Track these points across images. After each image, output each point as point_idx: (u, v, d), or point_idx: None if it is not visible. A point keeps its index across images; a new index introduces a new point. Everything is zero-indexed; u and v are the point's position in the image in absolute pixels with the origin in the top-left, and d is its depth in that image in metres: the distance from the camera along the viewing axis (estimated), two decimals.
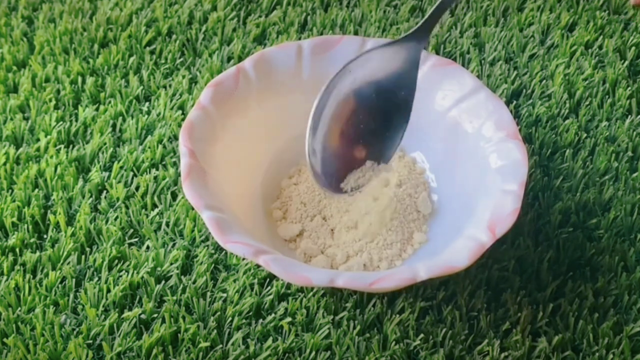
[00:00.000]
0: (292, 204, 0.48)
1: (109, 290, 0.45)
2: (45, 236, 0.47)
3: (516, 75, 0.54)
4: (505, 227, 0.42)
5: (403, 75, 0.47)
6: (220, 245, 0.42)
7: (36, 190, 0.49)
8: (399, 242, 0.47)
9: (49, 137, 0.51)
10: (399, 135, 0.48)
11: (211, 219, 0.42)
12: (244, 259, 0.45)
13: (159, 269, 0.46)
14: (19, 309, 0.44)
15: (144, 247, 0.47)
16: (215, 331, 0.44)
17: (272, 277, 0.45)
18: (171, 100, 0.53)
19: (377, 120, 0.47)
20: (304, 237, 0.47)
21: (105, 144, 0.51)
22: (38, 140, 0.51)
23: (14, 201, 0.48)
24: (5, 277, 0.45)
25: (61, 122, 0.52)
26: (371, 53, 0.46)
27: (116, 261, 0.46)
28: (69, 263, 0.46)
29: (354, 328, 0.44)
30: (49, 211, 0.48)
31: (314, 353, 0.43)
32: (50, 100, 0.53)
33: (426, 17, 0.46)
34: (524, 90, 0.54)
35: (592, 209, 0.48)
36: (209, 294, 0.45)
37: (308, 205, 0.48)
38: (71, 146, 0.51)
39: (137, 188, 0.49)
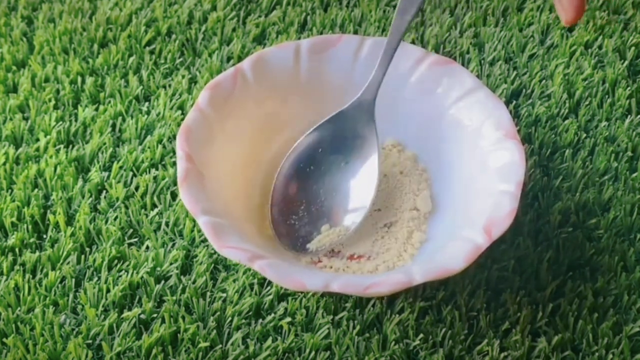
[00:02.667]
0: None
1: (108, 290, 0.45)
2: (44, 236, 0.47)
3: (516, 75, 0.54)
4: (501, 229, 0.42)
5: (361, 136, 0.48)
6: (217, 250, 0.42)
7: (36, 190, 0.49)
8: (398, 242, 0.47)
9: (48, 137, 0.51)
10: (365, 206, 0.47)
11: (207, 223, 0.42)
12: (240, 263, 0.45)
13: (158, 269, 0.46)
14: (19, 308, 0.44)
15: (144, 247, 0.47)
16: (214, 331, 0.44)
17: None
18: (171, 100, 0.53)
19: (339, 190, 0.48)
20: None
21: (104, 144, 0.51)
22: (38, 140, 0.51)
23: (14, 201, 0.48)
24: (4, 277, 0.45)
25: (61, 122, 0.52)
26: (323, 125, 0.47)
27: (116, 261, 0.46)
28: (68, 263, 0.46)
29: (354, 328, 0.44)
30: (48, 211, 0.48)
31: (313, 353, 0.43)
32: (49, 100, 0.53)
33: (371, 77, 0.47)
34: (524, 90, 0.54)
35: (592, 209, 0.48)
36: (208, 294, 0.45)
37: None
38: (71, 146, 0.51)
39: (136, 188, 0.49)
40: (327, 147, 0.48)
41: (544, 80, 0.54)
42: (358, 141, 0.48)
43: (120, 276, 0.45)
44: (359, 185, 0.47)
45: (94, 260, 0.46)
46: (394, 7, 0.58)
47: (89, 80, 0.54)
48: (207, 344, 0.43)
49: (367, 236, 0.47)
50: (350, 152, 0.48)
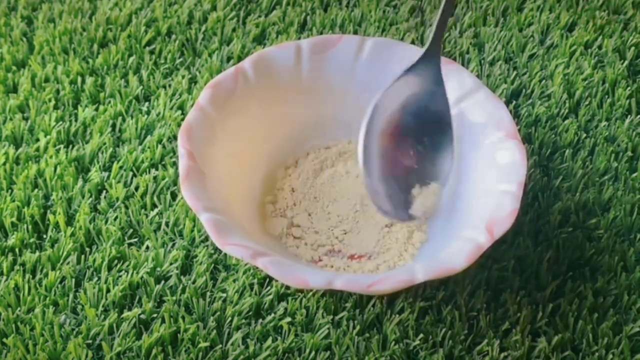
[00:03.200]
0: (282, 194, 0.48)
1: (108, 290, 0.45)
2: (44, 236, 0.47)
3: (516, 75, 0.54)
4: (503, 228, 0.42)
5: (434, 96, 0.47)
6: (219, 247, 0.42)
7: (36, 190, 0.49)
8: (399, 242, 0.47)
9: (48, 137, 0.51)
10: (449, 154, 0.47)
11: (209, 221, 0.42)
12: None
13: (158, 269, 0.46)
14: (19, 309, 0.44)
15: (144, 247, 0.47)
16: (214, 331, 0.44)
17: (271, 277, 0.45)
18: (171, 100, 0.53)
19: (423, 145, 0.47)
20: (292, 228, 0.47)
21: (104, 144, 0.51)
22: (37, 140, 0.51)
23: (14, 201, 0.48)
24: (4, 277, 0.45)
25: (61, 122, 0.52)
26: (395, 84, 0.46)
27: (116, 261, 0.46)
28: (68, 263, 0.46)
29: (354, 328, 0.44)
30: (48, 211, 0.48)
31: (313, 353, 0.43)
32: (49, 100, 0.53)
33: (433, 30, 0.46)
34: (524, 90, 0.54)
35: (592, 209, 0.48)
36: (208, 294, 0.45)
37: (298, 192, 0.48)
38: (71, 146, 0.51)
39: (136, 188, 0.49)
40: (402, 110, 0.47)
41: (544, 80, 0.54)
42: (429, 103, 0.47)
43: (120, 276, 0.45)
44: (439, 146, 0.47)
45: (94, 260, 0.46)
46: (394, 7, 0.58)
47: (89, 80, 0.54)
48: (207, 344, 0.43)
49: (367, 236, 0.47)
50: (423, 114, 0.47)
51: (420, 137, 0.47)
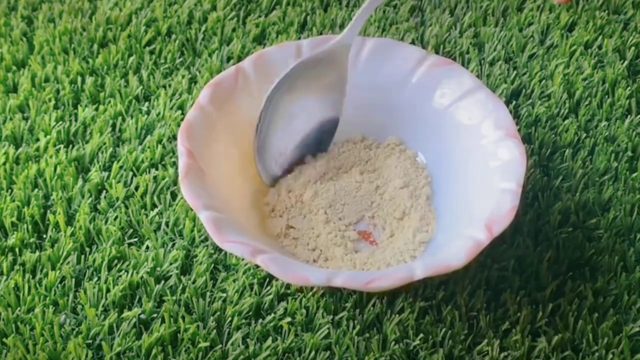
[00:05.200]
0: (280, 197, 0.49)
1: (108, 290, 0.45)
2: (44, 236, 0.47)
3: (516, 75, 0.54)
4: (502, 225, 0.42)
5: (331, 96, 0.49)
6: (218, 245, 0.42)
7: (36, 190, 0.49)
8: (399, 241, 0.47)
9: (48, 137, 0.51)
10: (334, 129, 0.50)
11: (209, 219, 0.42)
12: (243, 259, 0.45)
13: (158, 268, 0.46)
14: (19, 308, 0.44)
15: (144, 247, 0.47)
16: (214, 331, 0.44)
17: (271, 277, 0.45)
18: (171, 100, 0.53)
19: (312, 135, 0.50)
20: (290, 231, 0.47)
21: (104, 143, 0.51)
22: (37, 140, 0.51)
23: (14, 201, 0.48)
24: (4, 277, 0.45)
25: (61, 122, 0.52)
26: (302, 63, 0.47)
27: (116, 261, 0.46)
28: (68, 263, 0.46)
29: (354, 328, 0.44)
30: (48, 211, 0.48)
31: (313, 353, 0.43)
32: (49, 100, 0.53)
33: (353, 19, 0.47)
34: (524, 90, 0.54)
35: (592, 209, 0.48)
36: (208, 293, 0.45)
37: (293, 194, 0.49)
38: (71, 146, 0.51)
39: (136, 188, 0.49)
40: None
41: (544, 80, 0.54)
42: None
43: (120, 276, 0.45)
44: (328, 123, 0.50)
45: (94, 260, 0.46)
46: (394, 7, 0.58)
47: (89, 80, 0.54)
48: (207, 344, 0.43)
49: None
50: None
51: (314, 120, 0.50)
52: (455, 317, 0.44)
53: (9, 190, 0.49)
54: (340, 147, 0.51)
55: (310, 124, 0.49)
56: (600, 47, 0.56)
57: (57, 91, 0.54)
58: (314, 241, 0.47)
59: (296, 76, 0.47)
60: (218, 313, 0.44)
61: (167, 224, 0.48)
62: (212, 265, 0.46)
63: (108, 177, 0.49)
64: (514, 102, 0.53)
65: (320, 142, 0.50)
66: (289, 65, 0.47)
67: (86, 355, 0.43)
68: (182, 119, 0.51)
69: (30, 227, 0.47)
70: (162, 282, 0.45)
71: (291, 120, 0.48)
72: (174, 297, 0.45)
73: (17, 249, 0.47)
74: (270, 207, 0.48)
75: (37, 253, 0.46)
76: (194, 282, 0.45)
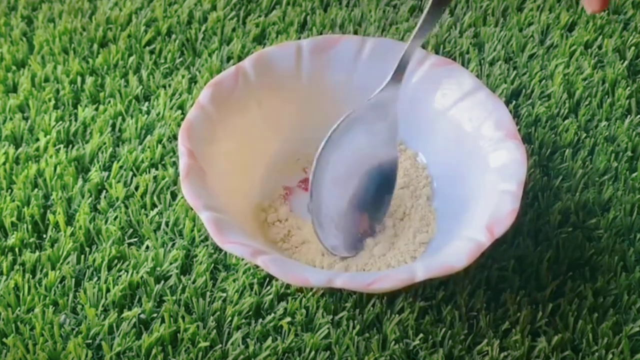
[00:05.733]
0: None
1: (108, 290, 0.45)
2: (44, 236, 0.47)
3: (516, 75, 0.54)
4: (503, 227, 0.42)
5: (385, 139, 0.47)
6: (219, 245, 0.42)
7: (36, 190, 0.49)
8: (400, 241, 0.47)
9: (48, 136, 0.51)
10: (390, 198, 0.48)
11: (209, 219, 0.42)
12: (243, 258, 0.45)
13: (158, 268, 0.46)
14: (19, 308, 0.44)
15: (144, 247, 0.47)
16: (214, 331, 0.44)
17: (271, 277, 0.45)
18: (171, 100, 0.53)
19: (369, 186, 0.47)
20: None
21: (104, 143, 0.51)
22: (37, 140, 0.51)
23: (14, 201, 0.48)
24: (4, 277, 0.45)
25: (61, 122, 0.52)
26: (352, 117, 0.46)
27: (116, 261, 0.46)
28: (68, 263, 0.46)
29: (354, 328, 0.44)
30: (48, 211, 0.48)
31: (313, 353, 0.43)
32: (49, 100, 0.53)
33: (395, 66, 0.46)
34: (524, 90, 0.54)
35: (592, 209, 0.48)
36: (208, 293, 0.45)
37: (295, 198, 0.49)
38: (71, 146, 0.51)
39: (136, 188, 0.49)
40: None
41: (544, 80, 0.54)
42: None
43: (120, 276, 0.45)
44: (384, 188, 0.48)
45: (94, 260, 0.46)
46: (394, 7, 0.58)
47: (89, 80, 0.54)
48: (207, 343, 0.43)
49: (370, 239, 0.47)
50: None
51: (367, 180, 0.47)
52: (455, 317, 0.44)
53: (9, 190, 0.49)
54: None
55: (360, 178, 0.47)
56: (600, 47, 0.56)
57: (57, 91, 0.54)
58: (313, 245, 0.47)
59: (343, 131, 0.45)
60: (218, 313, 0.44)
61: (167, 224, 0.48)
62: (212, 265, 0.46)
63: (108, 177, 0.49)
64: (514, 102, 0.53)
65: (373, 211, 0.47)
66: (336, 122, 0.45)
67: (86, 355, 0.43)
68: (182, 119, 0.51)
69: (30, 227, 0.47)
70: (162, 282, 0.45)
71: (339, 178, 0.46)
72: (174, 297, 0.45)
73: (17, 249, 0.46)
74: (266, 214, 0.48)
75: (37, 253, 0.46)
76: (194, 282, 0.45)
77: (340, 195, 0.46)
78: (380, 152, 0.47)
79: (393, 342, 0.43)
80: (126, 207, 0.48)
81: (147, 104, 0.53)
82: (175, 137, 0.51)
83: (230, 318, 0.44)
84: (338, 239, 0.46)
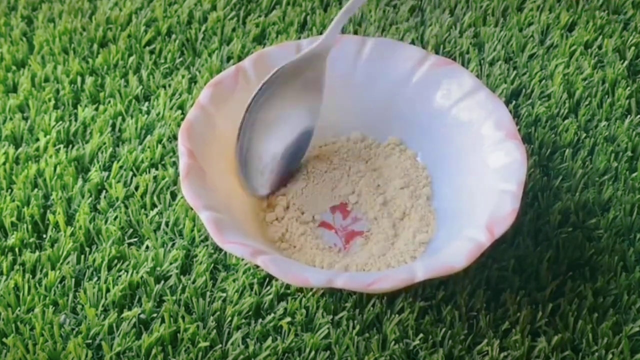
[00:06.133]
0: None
1: (108, 290, 0.45)
2: (44, 236, 0.47)
3: (515, 75, 0.54)
4: (503, 227, 0.42)
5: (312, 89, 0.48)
6: (219, 245, 0.42)
7: (35, 190, 0.49)
8: (400, 241, 0.47)
9: (48, 136, 0.51)
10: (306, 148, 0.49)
11: (209, 219, 0.42)
12: (243, 258, 0.45)
13: (158, 268, 0.46)
14: (18, 308, 0.44)
15: (144, 247, 0.47)
16: (214, 331, 0.44)
17: (271, 277, 0.45)
18: (171, 100, 0.53)
19: (293, 133, 0.49)
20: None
21: (104, 143, 0.51)
22: (37, 140, 0.51)
23: (13, 201, 0.48)
24: (4, 277, 0.45)
25: (60, 122, 0.52)
26: (280, 70, 0.47)
27: (115, 261, 0.46)
28: (68, 263, 0.46)
29: (354, 328, 0.44)
30: (48, 211, 0.48)
31: (313, 353, 0.43)
32: (49, 100, 0.53)
33: (332, 24, 0.46)
34: (524, 90, 0.54)
35: (592, 209, 0.48)
36: (208, 293, 0.45)
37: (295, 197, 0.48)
38: (70, 146, 0.51)
39: (136, 188, 0.49)
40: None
41: (543, 80, 0.54)
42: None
43: (120, 276, 0.45)
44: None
45: (94, 260, 0.46)
46: (394, 7, 0.58)
47: (89, 80, 0.54)
48: (207, 343, 0.43)
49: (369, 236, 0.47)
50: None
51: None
52: (455, 317, 0.44)
53: (9, 190, 0.49)
54: (341, 147, 0.51)
55: (291, 134, 0.48)
56: (600, 47, 0.56)
57: (57, 91, 0.54)
58: (313, 245, 0.47)
59: (276, 83, 0.47)
60: (218, 313, 0.44)
61: (167, 224, 0.48)
62: (212, 265, 0.46)
63: (108, 177, 0.49)
64: (514, 102, 0.53)
65: (295, 154, 0.49)
66: (269, 73, 0.46)
67: (86, 355, 0.43)
68: (182, 119, 0.51)
69: (30, 227, 0.47)
70: (162, 282, 0.45)
71: (271, 129, 0.48)
72: (174, 297, 0.45)
73: (17, 249, 0.47)
74: (265, 214, 0.48)
75: (37, 253, 0.46)
76: (193, 282, 0.45)
77: (264, 142, 0.48)
78: (303, 115, 0.48)
79: (393, 342, 0.43)
80: (126, 207, 0.48)
81: (147, 104, 0.53)
82: (175, 137, 0.51)
83: (230, 318, 0.44)
84: (258, 181, 0.48)
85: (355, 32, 0.57)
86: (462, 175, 0.47)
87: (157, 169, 0.50)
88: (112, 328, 0.44)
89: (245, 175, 0.47)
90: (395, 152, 0.50)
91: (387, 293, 0.45)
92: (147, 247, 0.47)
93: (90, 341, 0.43)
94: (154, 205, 0.48)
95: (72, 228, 0.47)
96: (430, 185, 0.49)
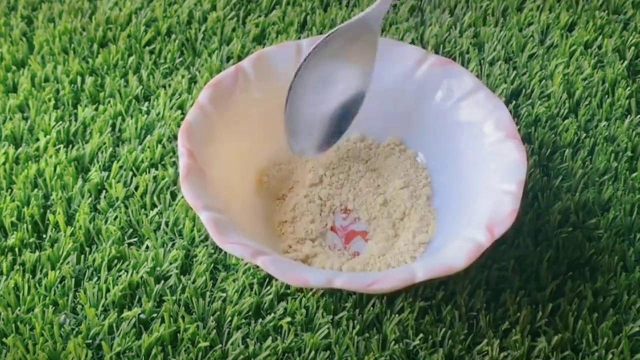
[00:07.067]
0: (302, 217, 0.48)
1: (108, 290, 0.45)
2: (44, 236, 0.47)
3: (515, 75, 0.54)
4: (503, 227, 0.42)
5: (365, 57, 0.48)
6: (219, 245, 0.42)
7: (35, 190, 0.49)
8: (400, 242, 0.47)
9: (48, 136, 0.51)
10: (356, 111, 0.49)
11: (209, 219, 0.42)
12: (243, 259, 0.45)
13: (158, 268, 0.46)
14: (18, 308, 0.44)
15: (144, 247, 0.47)
16: (214, 331, 0.44)
17: (271, 277, 0.45)
18: (170, 100, 0.53)
19: (341, 97, 0.48)
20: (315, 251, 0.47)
21: (104, 143, 0.51)
22: (37, 140, 0.51)
23: (14, 201, 0.48)
24: (4, 277, 0.45)
25: (60, 122, 0.52)
26: (333, 34, 0.46)
27: (115, 261, 0.46)
28: (68, 263, 0.46)
29: (354, 328, 0.44)
30: (48, 211, 0.48)
31: (313, 353, 0.43)
32: (49, 100, 0.53)
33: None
34: (524, 90, 0.54)
35: (592, 209, 0.48)
36: (208, 293, 0.45)
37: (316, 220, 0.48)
38: (70, 146, 0.51)
39: (136, 188, 0.49)
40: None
41: (543, 80, 0.54)
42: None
43: (120, 276, 0.45)
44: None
45: (94, 260, 0.46)
46: (394, 7, 0.58)
47: (89, 80, 0.54)
48: (207, 343, 0.43)
49: (368, 236, 0.47)
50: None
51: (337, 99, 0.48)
52: (455, 317, 0.44)
53: (9, 190, 0.49)
54: (340, 147, 0.51)
55: (342, 95, 0.48)
56: (600, 47, 0.56)
57: (57, 91, 0.54)
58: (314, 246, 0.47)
59: (329, 45, 0.46)
60: (218, 313, 0.44)
61: (167, 224, 0.48)
62: (212, 265, 0.46)
63: (108, 177, 0.49)
64: (514, 102, 0.53)
65: (345, 116, 0.49)
66: (322, 36, 0.46)
67: (86, 355, 0.43)
68: (182, 119, 0.51)
69: (30, 227, 0.47)
70: (162, 282, 0.45)
71: (320, 91, 0.47)
72: (174, 297, 0.45)
73: (16, 249, 0.47)
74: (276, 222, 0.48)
75: (37, 253, 0.46)
76: (193, 282, 0.45)
77: (315, 102, 0.47)
78: (359, 68, 0.48)
79: (393, 342, 0.43)
80: (126, 207, 0.48)
81: (147, 104, 0.53)
82: (175, 137, 0.51)
83: (230, 318, 0.44)
84: (307, 142, 0.48)
85: None
86: (462, 175, 0.47)
87: (157, 169, 0.50)
88: (112, 328, 0.44)
89: (294, 137, 0.47)
90: (395, 152, 0.50)
91: (387, 293, 0.45)
92: (147, 247, 0.47)
93: (90, 341, 0.43)
94: (154, 205, 0.48)
95: (72, 228, 0.47)
96: (430, 185, 0.49)
